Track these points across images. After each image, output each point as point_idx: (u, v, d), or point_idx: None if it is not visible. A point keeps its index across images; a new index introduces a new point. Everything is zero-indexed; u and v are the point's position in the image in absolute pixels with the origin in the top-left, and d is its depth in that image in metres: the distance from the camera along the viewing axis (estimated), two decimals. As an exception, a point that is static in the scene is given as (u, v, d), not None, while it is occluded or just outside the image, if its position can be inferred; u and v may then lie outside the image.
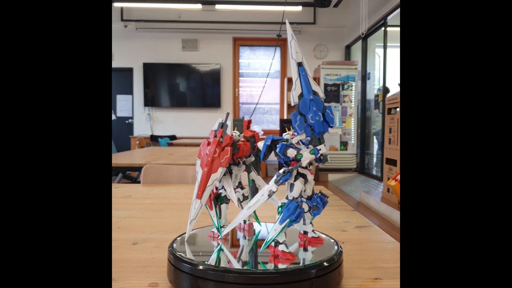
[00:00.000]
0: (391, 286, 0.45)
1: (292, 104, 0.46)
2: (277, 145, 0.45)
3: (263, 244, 0.44)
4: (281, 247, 0.44)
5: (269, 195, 0.45)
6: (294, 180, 0.45)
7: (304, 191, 0.46)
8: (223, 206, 0.53)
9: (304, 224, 0.50)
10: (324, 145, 0.45)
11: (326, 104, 0.45)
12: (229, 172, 0.52)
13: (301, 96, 0.45)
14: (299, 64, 0.45)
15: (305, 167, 0.46)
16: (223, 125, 0.49)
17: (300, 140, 0.46)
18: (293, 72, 0.45)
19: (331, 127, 0.45)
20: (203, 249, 0.50)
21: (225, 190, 0.52)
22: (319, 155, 0.44)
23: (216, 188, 0.53)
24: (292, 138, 0.47)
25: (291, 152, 0.45)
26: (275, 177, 0.45)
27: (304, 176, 0.46)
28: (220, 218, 0.53)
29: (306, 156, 0.44)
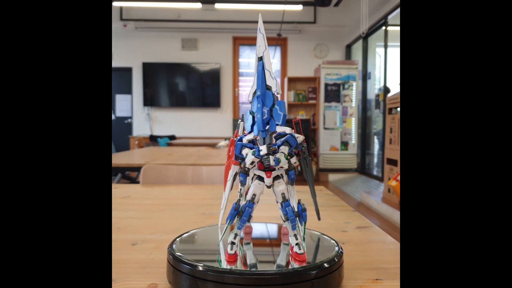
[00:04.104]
0: (391, 287, 0.44)
1: (248, 101, 0.44)
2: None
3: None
4: (228, 248, 0.43)
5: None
6: (252, 182, 0.44)
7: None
8: None
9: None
10: (268, 145, 0.41)
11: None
12: None
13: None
14: (259, 59, 0.43)
15: (265, 169, 0.43)
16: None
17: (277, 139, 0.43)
18: (255, 68, 0.44)
19: (278, 124, 0.42)
20: (203, 247, 0.50)
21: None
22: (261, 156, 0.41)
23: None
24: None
25: (244, 152, 0.43)
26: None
27: (260, 178, 0.43)
28: None
29: (249, 157, 0.42)
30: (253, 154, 0.42)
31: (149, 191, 1.09)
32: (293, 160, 0.49)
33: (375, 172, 5.72)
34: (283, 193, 0.43)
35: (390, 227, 3.12)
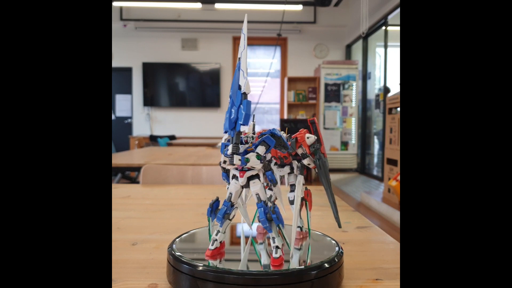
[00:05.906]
0: (391, 287, 0.44)
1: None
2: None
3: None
4: (210, 244, 0.44)
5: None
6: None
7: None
8: None
9: None
10: (234, 144, 0.42)
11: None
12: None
13: None
14: (239, 59, 0.43)
15: (241, 169, 0.43)
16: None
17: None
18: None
19: (243, 124, 0.42)
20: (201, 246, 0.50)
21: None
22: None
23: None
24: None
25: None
26: None
27: (237, 178, 0.44)
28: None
29: (222, 156, 0.43)
30: (223, 153, 0.43)
31: (149, 191, 1.09)
32: (306, 161, 0.49)
33: (375, 172, 5.71)
34: (257, 194, 0.43)
35: (390, 227, 3.12)
